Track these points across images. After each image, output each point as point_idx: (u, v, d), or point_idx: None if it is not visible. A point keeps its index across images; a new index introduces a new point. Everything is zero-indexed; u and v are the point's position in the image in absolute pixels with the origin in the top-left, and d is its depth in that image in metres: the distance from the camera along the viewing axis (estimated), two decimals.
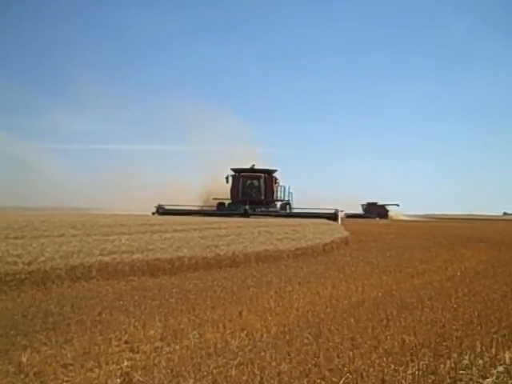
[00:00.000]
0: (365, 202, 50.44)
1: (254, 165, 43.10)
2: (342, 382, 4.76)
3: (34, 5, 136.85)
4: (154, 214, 36.34)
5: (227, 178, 42.18)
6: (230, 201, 42.37)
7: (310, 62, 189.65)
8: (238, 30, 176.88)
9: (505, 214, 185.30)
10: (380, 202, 58.66)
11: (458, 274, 12.51)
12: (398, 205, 40.79)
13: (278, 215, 38.14)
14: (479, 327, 7.01)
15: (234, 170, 43.00)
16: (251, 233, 19.32)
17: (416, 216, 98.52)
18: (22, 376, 4.98)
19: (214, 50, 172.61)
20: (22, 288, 9.40)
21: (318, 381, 4.79)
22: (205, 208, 40.57)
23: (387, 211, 44.64)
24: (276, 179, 43.06)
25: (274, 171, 43.27)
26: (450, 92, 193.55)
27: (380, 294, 9.59)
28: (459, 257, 16.95)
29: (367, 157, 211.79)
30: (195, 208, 39.11)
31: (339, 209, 39.06)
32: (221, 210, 39.88)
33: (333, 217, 36.41)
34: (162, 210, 37.07)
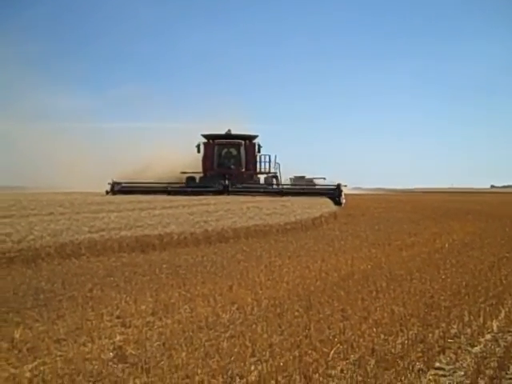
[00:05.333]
0: (292, 176, 47.78)
1: (230, 130, 35.69)
2: (332, 352, 4.81)
3: None
4: (108, 192, 30.18)
5: (198, 146, 34.73)
6: (201, 174, 34.91)
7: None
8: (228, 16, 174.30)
9: (492, 186, 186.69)
10: (308, 176, 55.56)
11: (446, 245, 12.62)
12: (324, 178, 38.57)
13: (266, 192, 31.34)
14: (467, 297, 7.13)
15: (206, 136, 35.50)
16: (240, 208, 19.34)
17: (366, 190, 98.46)
18: (16, 352, 4.98)
19: (207, 36, 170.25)
20: (12, 266, 9.40)
21: (309, 351, 4.84)
22: (173, 184, 32.13)
23: (314, 185, 42.38)
24: (259, 146, 35.23)
25: (256, 137, 35.77)
26: (437, 67, 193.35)
27: (369, 266, 9.66)
28: (447, 229, 17.09)
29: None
30: (160, 185, 31.83)
31: (342, 183, 31.38)
32: (192, 187, 32.31)
33: (335, 194, 29.55)
34: (117, 188, 30.66)
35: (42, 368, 4.51)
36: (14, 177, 55.24)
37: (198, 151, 34.86)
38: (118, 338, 5.42)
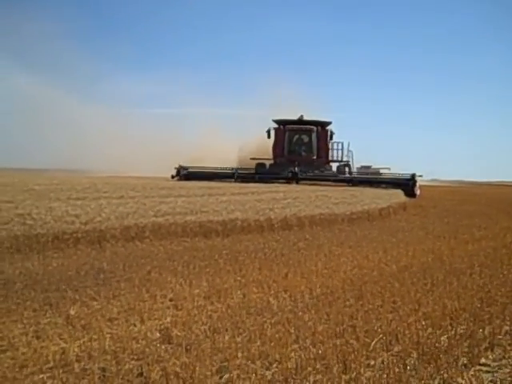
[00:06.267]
0: (359, 165, 45.41)
1: (302, 116, 34.05)
2: (374, 342, 4.80)
3: None
4: (173, 177, 30.08)
5: (269, 131, 33.44)
6: (271, 161, 33.73)
7: None
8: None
9: None
10: (374, 166, 52.90)
11: None
12: (389, 168, 36.76)
13: (337, 180, 30.08)
14: None
15: (277, 121, 34.29)
16: (308, 197, 19.28)
17: (445, 181, 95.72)
18: (70, 328, 5.21)
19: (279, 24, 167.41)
20: (78, 246, 9.77)
21: (351, 341, 4.84)
22: (240, 171, 30.91)
23: (380, 175, 40.11)
24: (331, 133, 33.83)
25: (329, 123, 34.19)
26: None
27: (430, 259, 9.49)
28: None
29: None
30: (228, 171, 30.75)
31: (417, 173, 29.35)
32: (260, 173, 30.92)
33: (409, 185, 28.13)
34: (184, 173, 30.11)
35: (89, 344, 4.71)
36: (76, 160, 55.01)
37: (269, 137, 33.74)
38: (168, 319, 5.56)
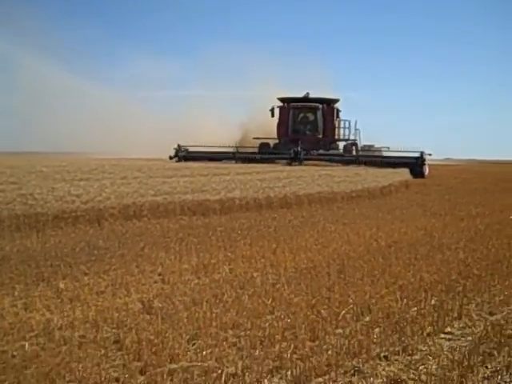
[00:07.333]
0: (362, 144, 43.81)
1: (308, 93, 33.29)
2: (343, 312, 5.01)
3: None
4: (171, 158, 29.55)
5: (272, 110, 32.60)
6: (276, 141, 33.01)
7: None
8: None
9: None
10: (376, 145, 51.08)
11: (510, 217, 12.33)
12: (388, 147, 35.83)
13: (340, 161, 29.20)
14: (506, 268, 7.07)
15: (281, 99, 33.35)
16: (311, 175, 19.43)
17: (458, 161, 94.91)
18: (58, 300, 5.47)
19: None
20: (77, 225, 10.03)
21: (322, 311, 5.06)
22: (241, 150, 30.57)
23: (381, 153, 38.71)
24: (338, 111, 33.23)
25: (336, 101, 33.40)
26: None
27: (420, 235, 9.68)
28: None
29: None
30: (230, 150, 30.30)
31: (425, 152, 28.36)
32: (262, 153, 30.51)
33: (417, 164, 27.40)
34: (183, 154, 29.84)
35: (73, 315, 4.97)
36: (82, 143, 54.99)
37: (273, 115, 32.91)
38: (154, 292, 5.81)
